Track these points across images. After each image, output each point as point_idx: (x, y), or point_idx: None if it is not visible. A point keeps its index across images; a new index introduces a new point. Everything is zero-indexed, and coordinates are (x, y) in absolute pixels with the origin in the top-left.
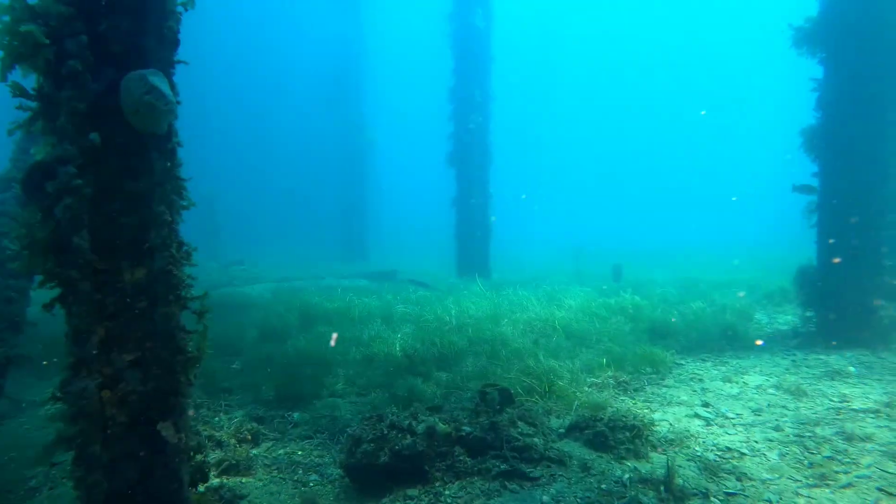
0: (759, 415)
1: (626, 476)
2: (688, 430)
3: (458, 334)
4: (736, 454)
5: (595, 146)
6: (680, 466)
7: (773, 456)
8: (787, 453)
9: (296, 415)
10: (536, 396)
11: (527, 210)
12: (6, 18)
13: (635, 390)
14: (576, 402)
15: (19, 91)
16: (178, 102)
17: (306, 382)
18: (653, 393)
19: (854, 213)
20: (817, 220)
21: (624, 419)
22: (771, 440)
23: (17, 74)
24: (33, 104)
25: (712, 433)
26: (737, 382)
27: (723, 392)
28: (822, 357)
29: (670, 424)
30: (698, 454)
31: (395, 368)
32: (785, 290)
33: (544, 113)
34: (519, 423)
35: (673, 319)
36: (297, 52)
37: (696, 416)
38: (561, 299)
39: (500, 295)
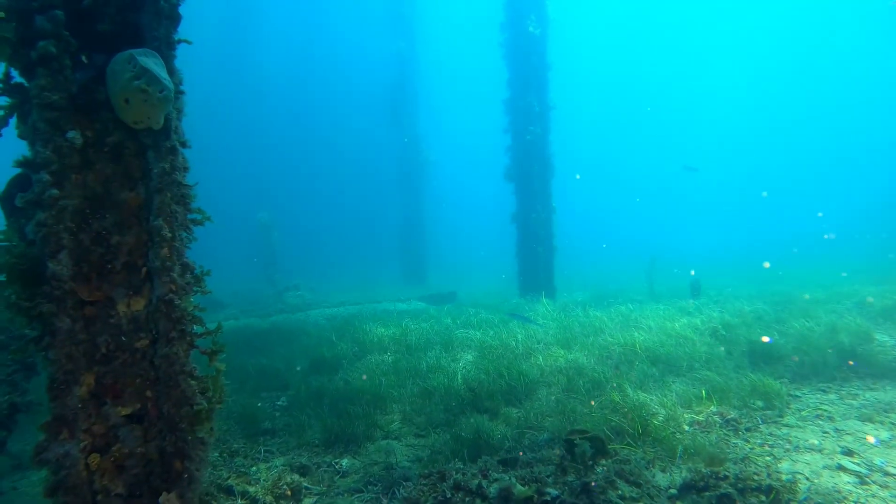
0: None
1: None
2: (837, 490)
3: (526, 362)
4: None
5: (660, 150)
6: None
7: None
8: None
9: (344, 461)
10: (629, 439)
11: (584, 219)
12: None
13: (748, 430)
14: (679, 448)
15: None
16: (182, 92)
17: (357, 422)
18: (771, 434)
19: None
20: None
21: (756, 478)
22: None
23: None
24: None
25: (875, 497)
26: (882, 423)
27: (867, 435)
28: None
29: (808, 480)
30: None
31: (457, 403)
32: None
33: (608, 119)
34: (618, 481)
35: (774, 341)
36: (350, 74)
37: (841, 468)
38: (638, 319)
39: (569, 316)
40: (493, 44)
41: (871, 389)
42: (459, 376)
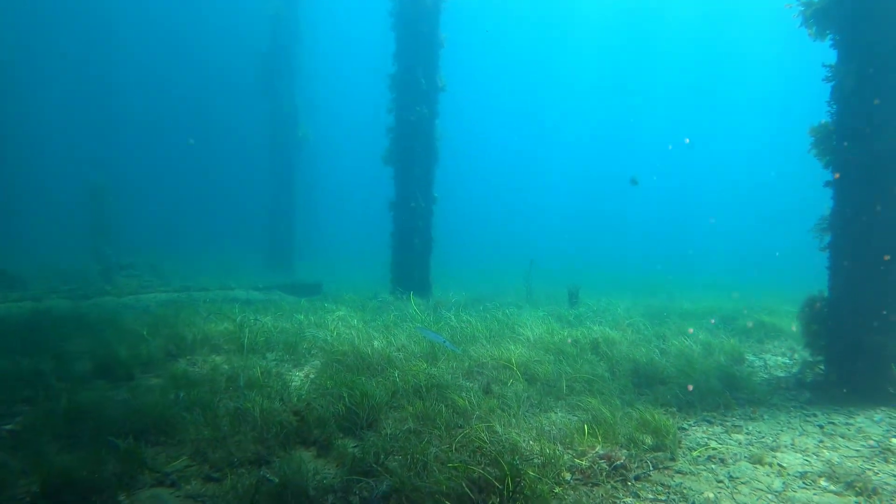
0: None
1: None
2: None
3: (378, 377)
4: None
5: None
6: None
7: None
8: None
9: None
10: (495, 498)
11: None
12: None
13: (637, 479)
14: None
15: None
16: None
17: (115, 460)
18: (663, 485)
19: (883, 231)
20: (831, 240)
21: None
22: None
23: None
24: None
25: None
26: (771, 465)
27: (760, 484)
28: (851, 422)
29: None
30: None
31: (276, 431)
32: (764, 324)
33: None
34: None
35: (658, 361)
36: (222, 34)
37: None
38: (514, 327)
39: (439, 319)
40: (383, 12)
41: (752, 419)
42: (293, 394)
